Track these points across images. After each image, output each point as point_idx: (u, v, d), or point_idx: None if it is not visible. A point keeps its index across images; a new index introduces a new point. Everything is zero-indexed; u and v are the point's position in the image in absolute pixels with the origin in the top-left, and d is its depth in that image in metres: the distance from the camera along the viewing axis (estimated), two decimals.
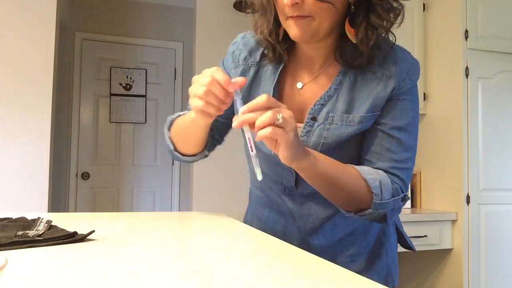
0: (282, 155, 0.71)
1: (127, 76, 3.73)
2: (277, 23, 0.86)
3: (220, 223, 0.97)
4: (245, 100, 0.90)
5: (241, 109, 0.70)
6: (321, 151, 0.82)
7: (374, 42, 0.80)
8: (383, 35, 0.82)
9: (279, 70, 0.89)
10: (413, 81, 0.86)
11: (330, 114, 0.84)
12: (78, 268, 0.52)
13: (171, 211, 3.77)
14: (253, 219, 1.05)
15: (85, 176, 3.58)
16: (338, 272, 0.54)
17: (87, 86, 3.65)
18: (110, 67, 3.69)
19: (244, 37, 0.97)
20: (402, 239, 1.05)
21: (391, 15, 0.80)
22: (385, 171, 0.84)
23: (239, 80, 0.73)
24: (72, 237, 0.68)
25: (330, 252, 0.94)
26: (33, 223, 0.77)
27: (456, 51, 2.50)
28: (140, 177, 3.74)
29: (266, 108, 0.69)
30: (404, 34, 2.66)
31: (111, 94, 3.68)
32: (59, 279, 0.47)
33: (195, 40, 2.87)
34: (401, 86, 0.84)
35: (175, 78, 3.86)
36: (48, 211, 2.32)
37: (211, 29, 2.85)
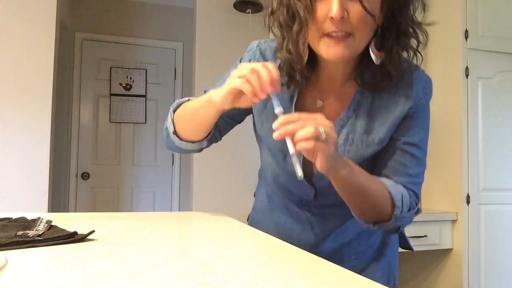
0: (321, 165, 0.71)
1: (127, 76, 3.73)
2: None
3: (220, 223, 0.97)
4: (260, 113, 0.90)
5: (278, 120, 0.68)
6: None
7: (403, 63, 0.80)
8: (410, 56, 0.81)
9: (297, 90, 0.87)
10: (428, 99, 0.87)
11: (350, 135, 0.85)
12: (78, 268, 0.52)
13: (171, 211, 3.77)
14: (270, 222, 1.03)
15: (85, 176, 3.58)
16: (338, 272, 0.54)
17: (87, 86, 3.65)
18: (110, 67, 3.69)
19: (259, 45, 0.92)
20: (403, 240, 1.06)
21: (420, 38, 0.81)
22: (402, 185, 0.86)
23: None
24: (72, 237, 0.68)
25: (339, 255, 0.96)
26: (33, 223, 0.77)
27: (456, 51, 2.49)
28: (140, 177, 3.74)
29: (303, 120, 0.68)
30: None
31: (111, 94, 3.68)
32: (59, 279, 0.47)
33: (195, 40, 2.87)
34: (417, 105, 0.85)
35: (175, 78, 3.85)
36: (48, 211, 2.32)
37: (211, 29, 2.85)
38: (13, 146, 2.27)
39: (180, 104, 0.96)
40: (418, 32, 0.81)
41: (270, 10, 0.83)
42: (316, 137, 0.66)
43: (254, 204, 1.12)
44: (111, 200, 3.65)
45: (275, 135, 0.68)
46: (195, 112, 0.89)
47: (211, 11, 2.86)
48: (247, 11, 2.80)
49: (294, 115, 0.69)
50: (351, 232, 0.96)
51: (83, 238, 0.68)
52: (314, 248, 0.95)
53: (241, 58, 0.96)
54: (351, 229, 0.95)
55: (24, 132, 2.29)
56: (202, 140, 0.94)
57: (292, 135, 0.67)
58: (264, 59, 0.89)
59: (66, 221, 0.88)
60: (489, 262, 2.41)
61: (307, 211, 0.95)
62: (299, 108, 0.87)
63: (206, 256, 0.61)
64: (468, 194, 2.42)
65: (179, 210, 3.78)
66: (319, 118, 0.69)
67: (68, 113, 3.56)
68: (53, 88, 2.39)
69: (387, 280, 0.98)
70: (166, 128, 0.96)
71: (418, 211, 0.88)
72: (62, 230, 0.72)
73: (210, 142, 0.99)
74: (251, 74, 0.72)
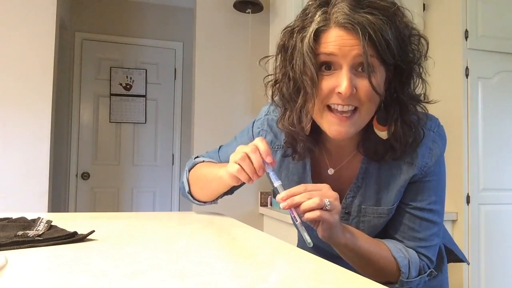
0: (322, 234, 0.74)
1: (127, 76, 3.73)
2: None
3: (220, 223, 0.97)
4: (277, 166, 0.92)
5: (281, 194, 0.72)
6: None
7: (409, 138, 0.79)
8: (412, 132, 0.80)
9: (309, 160, 0.88)
10: (437, 160, 0.85)
11: (363, 206, 0.86)
12: (78, 268, 0.52)
13: (171, 211, 3.77)
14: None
15: (85, 176, 3.58)
16: (338, 272, 0.54)
17: (87, 86, 3.64)
18: (110, 67, 3.69)
19: (267, 117, 0.94)
20: (453, 255, 1.04)
21: (419, 114, 0.80)
22: (412, 249, 0.86)
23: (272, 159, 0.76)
24: (72, 237, 0.68)
25: None
26: (33, 223, 0.77)
27: (456, 51, 2.49)
28: (140, 177, 3.74)
29: (308, 191, 0.71)
30: None
31: (111, 94, 3.68)
32: (59, 279, 0.47)
33: (195, 40, 2.87)
34: (423, 172, 0.83)
35: (175, 78, 3.85)
36: (48, 211, 2.32)
37: (211, 29, 2.85)
38: (13, 146, 2.27)
39: (195, 164, 1.03)
40: (418, 107, 0.80)
41: (273, 79, 0.82)
42: (321, 208, 0.70)
43: None
44: (111, 200, 3.65)
45: (282, 205, 0.71)
46: (208, 182, 0.95)
47: (211, 11, 2.86)
48: (247, 11, 2.80)
49: (300, 187, 0.72)
50: None
51: (83, 238, 0.68)
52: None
53: (254, 121, 0.98)
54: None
55: (24, 132, 2.29)
56: (215, 200, 1.03)
57: (297, 206, 0.70)
58: (272, 130, 0.91)
59: (66, 221, 0.88)
60: (489, 262, 2.41)
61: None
62: (313, 175, 0.89)
63: (206, 256, 0.61)
64: (468, 194, 2.42)
65: (179, 210, 3.78)
66: (324, 188, 0.72)
67: (68, 113, 3.56)
68: (53, 88, 2.39)
69: None
70: (182, 182, 1.05)
71: (431, 274, 0.87)
72: (62, 230, 0.72)
73: (222, 197, 1.06)
74: (242, 161, 0.75)
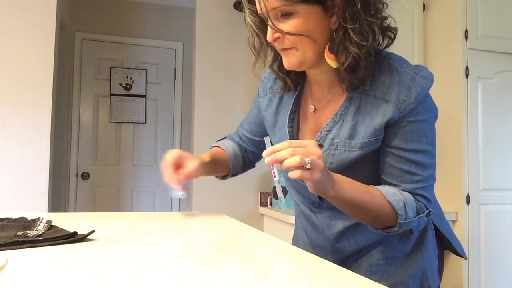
0: (310, 188, 0.78)
1: (127, 76, 3.73)
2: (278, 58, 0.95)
3: (220, 223, 0.97)
4: (272, 126, 1.02)
5: (267, 150, 0.76)
6: (339, 171, 0.87)
7: (358, 64, 0.82)
8: (371, 57, 0.84)
9: (294, 97, 0.97)
10: (417, 99, 0.83)
11: (335, 140, 0.88)
12: (78, 268, 0.52)
13: (171, 211, 3.77)
14: (301, 232, 1.10)
15: (85, 176, 3.58)
16: (338, 272, 0.54)
17: (87, 86, 3.64)
18: (110, 67, 3.69)
19: (264, 76, 1.09)
20: (448, 243, 1.04)
21: (370, 37, 0.81)
22: (409, 192, 0.87)
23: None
24: (72, 237, 0.68)
25: (365, 253, 0.97)
26: (33, 223, 0.77)
27: (456, 51, 2.50)
28: (140, 177, 3.74)
29: (293, 147, 0.74)
30: (404, 34, 2.66)
31: (111, 94, 3.68)
32: (59, 279, 0.47)
33: (195, 40, 2.87)
34: (401, 109, 0.83)
35: (175, 78, 3.85)
36: (48, 211, 2.32)
37: (211, 29, 2.85)
38: (13, 146, 2.27)
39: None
40: (371, 34, 0.82)
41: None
42: (302, 166, 0.72)
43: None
44: (111, 200, 3.65)
45: (266, 160, 0.75)
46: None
47: (211, 11, 2.86)
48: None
49: (285, 143, 0.75)
50: (368, 234, 0.95)
51: (83, 238, 0.68)
52: (333, 252, 1.00)
53: (258, 87, 1.12)
54: (367, 231, 0.95)
55: (24, 132, 2.29)
56: (224, 177, 1.19)
57: (280, 162, 0.73)
58: (272, 77, 1.05)
59: (66, 221, 0.88)
60: (489, 262, 2.41)
61: (321, 213, 0.99)
62: (298, 114, 0.98)
63: (206, 256, 0.61)
64: (468, 194, 2.42)
65: (179, 210, 3.78)
66: (310, 146, 0.75)
67: (68, 113, 3.56)
68: (53, 88, 2.39)
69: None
70: None
71: (429, 214, 0.89)
72: (62, 230, 0.72)
73: (242, 170, 1.21)
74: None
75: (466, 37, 2.46)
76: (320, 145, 0.90)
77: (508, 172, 2.50)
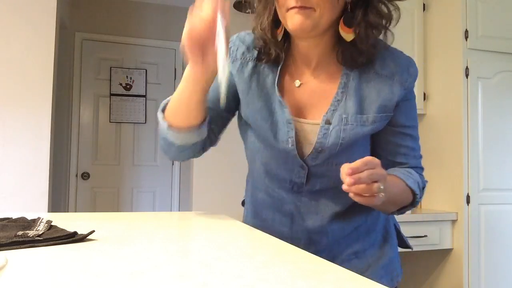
0: (366, 204, 0.75)
1: (127, 76, 3.73)
2: (274, 22, 0.87)
3: (220, 223, 0.97)
4: (245, 95, 0.92)
5: (346, 170, 0.69)
6: (339, 151, 0.86)
7: (373, 41, 0.83)
8: (380, 34, 0.85)
9: (279, 68, 0.90)
10: (414, 78, 0.90)
11: (344, 116, 0.86)
12: (78, 268, 0.52)
13: (171, 211, 3.77)
14: (256, 222, 1.02)
15: (85, 176, 3.58)
16: (338, 272, 0.54)
17: (87, 86, 3.64)
18: (110, 67, 3.69)
19: (238, 35, 0.96)
20: (400, 239, 1.06)
21: (389, 15, 0.84)
22: (414, 167, 0.94)
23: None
24: (72, 237, 0.68)
25: (335, 250, 0.95)
26: (33, 223, 0.77)
27: (456, 51, 2.50)
28: (140, 177, 3.74)
29: (368, 169, 0.70)
30: (404, 34, 2.66)
31: (111, 94, 3.68)
32: (59, 279, 0.47)
33: None
34: (406, 86, 0.88)
35: (175, 78, 3.85)
36: (48, 211, 2.32)
37: None
38: (13, 146, 2.27)
39: (166, 104, 0.92)
40: (391, 8, 0.83)
41: None
42: (374, 193, 0.71)
43: (244, 213, 1.11)
44: (111, 200, 3.65)
45: (347, 182, 0.69)
46: (180, 97, 0.86)
47: None
48: (247, 11, 2.80)
49: (362, 164, 0.69)
50: (348, 226, 0.95)
51: (83, 238, 0.68)
52: (308, 243, 0.94)
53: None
54: (348, 223, 0.94)
55: (24, 132, 2.29)
56: (200, 124, 0.88)
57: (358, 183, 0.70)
58: (244, 44, 0.94)
59: (66, 221, 0.88)
60: (489, 262, 2.41)
61: (299, 198, 0.93)
62: (280, 87, 0.90)
63: (206, 256, 0.61)
64: (468, 194, 2.42)
65: (179, 210, 3.78)
66: (378, 167, 0.71)
67: (68, 113, 3.56)
68: (53, 88, 2.39)
69: (390, 278, 0.98)
70: (163, 137, 0.92)
71: (425, 184, 0.96)
72: (62, 230, 0.72)
73: (210, 140, 0.96)
74: (190, 15, 0.78)
75: (466, 37, 2.46)
76: (328, 122, 0.86)
77: (508, 172, 2.50)
